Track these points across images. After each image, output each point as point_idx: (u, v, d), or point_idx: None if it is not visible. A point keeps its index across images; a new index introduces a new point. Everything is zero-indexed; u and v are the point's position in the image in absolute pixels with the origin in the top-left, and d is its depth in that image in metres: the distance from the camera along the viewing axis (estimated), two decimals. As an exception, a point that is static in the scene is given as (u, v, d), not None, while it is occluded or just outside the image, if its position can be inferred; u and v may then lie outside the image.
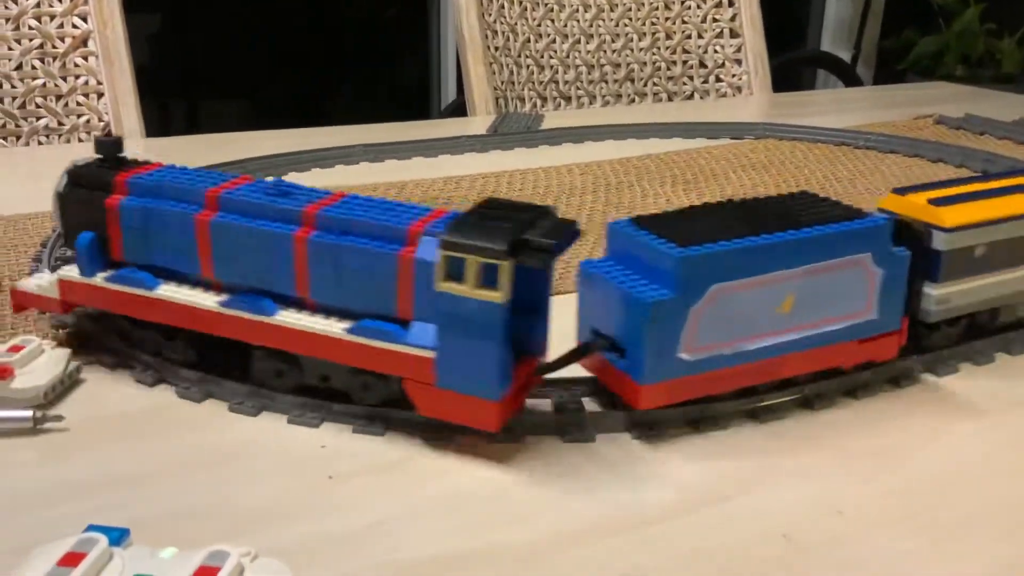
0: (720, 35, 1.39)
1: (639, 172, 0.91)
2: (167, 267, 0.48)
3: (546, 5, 1.31)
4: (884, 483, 0.42)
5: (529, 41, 1.29)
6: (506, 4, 1.27)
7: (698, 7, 1.38)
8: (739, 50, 1.39)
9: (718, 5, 1.38)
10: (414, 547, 0.37)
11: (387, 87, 2.50)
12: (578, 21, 1.33)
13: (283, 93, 2.33)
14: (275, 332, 0.45)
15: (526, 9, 1.29)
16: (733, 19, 1.39)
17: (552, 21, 1.31)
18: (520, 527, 0.38)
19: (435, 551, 0.37)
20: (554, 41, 1.31)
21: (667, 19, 1.37)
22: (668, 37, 1.37)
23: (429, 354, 0.42)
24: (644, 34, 1.36)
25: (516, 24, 1.28)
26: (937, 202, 0.50)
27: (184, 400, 0.47)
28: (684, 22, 1.37)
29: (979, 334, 0.54)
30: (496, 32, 1.26)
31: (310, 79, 2.36)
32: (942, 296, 0.50)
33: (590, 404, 0.47)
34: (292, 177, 0.88)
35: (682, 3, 1.38)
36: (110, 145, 0.50)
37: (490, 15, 1.25)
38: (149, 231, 0.48)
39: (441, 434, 0.44)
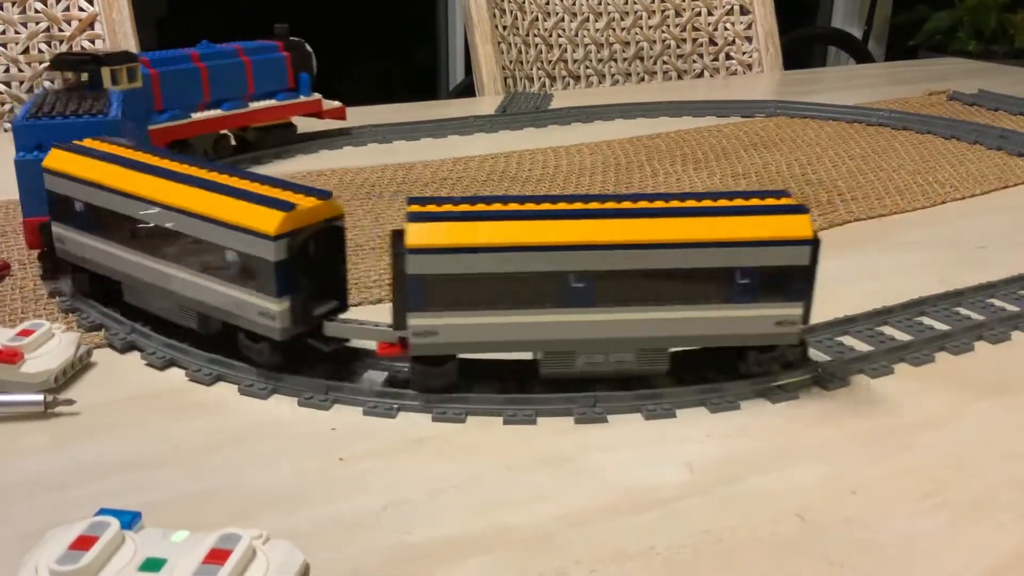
0: (730, 12, 1.37)
1: (649, 151, 0.90)
2: None
3: (557, 15, 1.29)
4: (899, 462, 0.41)
5: (537, 20, 1.28)
6: (519, 15, 1.26)
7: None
8: (749, 27, 1.38)
9: (728, -18, 1.37)
10: (426, 529, 0.37)
11: (395, 68, 2.48)
12: (588, 31, 1.31)
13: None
14: None
15: (536, 19, 1.28)
16: (743, -4, 1.37)
17: (563, 32, 1.29)
18: (533, 508, 0.38)
19: (447, 532, 0.36)
20: (563, 19, 1.30)
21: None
22: (678, 15, 1.36)
23: None
24: (653, 12, 1.35)
25: (524, 2, 1.27)
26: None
27: (195, 383, 0.47)
28: (696, 29, 1.36)
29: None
30: (504, 11, 1.25)
31: (318, 60, 2.34)
32: None
33: (601, 386, 0.46)
34: (300, 160, 0.88)
35: (693, 11, 1.36)
36: None
37: (503, 27, 1.24)
38: None
39: (453, 416, 0.44)
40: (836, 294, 0.59)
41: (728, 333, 0.44)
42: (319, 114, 0.89)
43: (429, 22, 2.41)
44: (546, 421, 0.44)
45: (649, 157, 0.88)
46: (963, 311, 0.55)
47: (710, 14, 1.37)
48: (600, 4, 1.32)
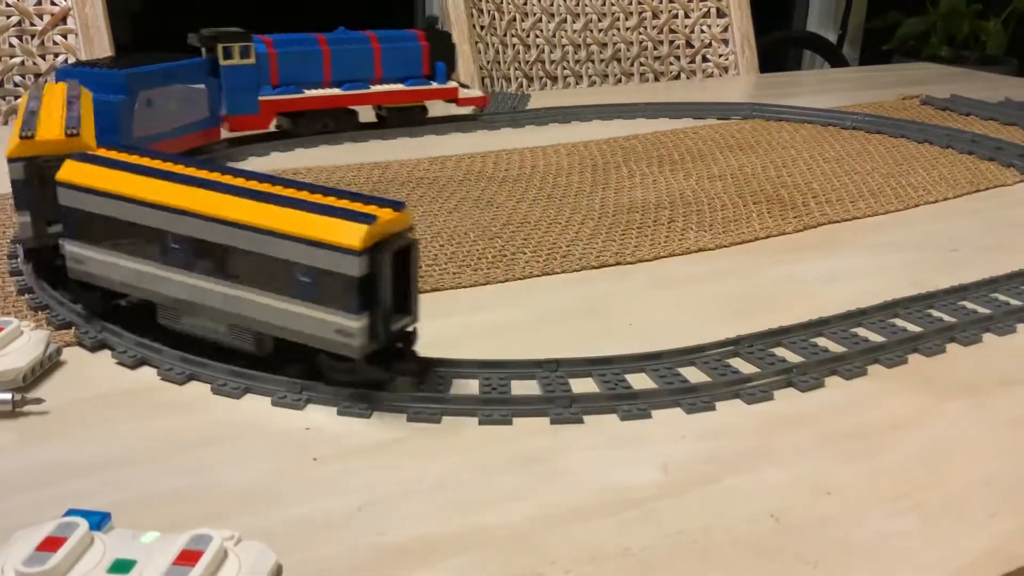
0: (707, 15, 1.38)
1: (626, 152, 0.90)
2: None
3: (535, 15, 1.29)
4: (873, 463, 0.41)
5: (515, 20, 1.28)
6: (496, 14, 1.26)
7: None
8: (726, 30, 1.38)
9: (705, -15, 1.38)
10: (400, 529, 0.36)
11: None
12: (564, 0, 1.31)
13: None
14: None
15: (514, 19, 1.28)
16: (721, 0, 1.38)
17: (540, 32, 1.29)
18: (507, 508, 0.38)
19: (422, 533, 0.36)
20: (540, 20, 1.30)
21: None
22: (655, 16, 1.36)
23: None
24: (631, 13, 1.35)
25: (502, 2, 1.27)
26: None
27: (166, 382, 0.46)
28: (671, 1, 1.36)
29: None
30: (482, 10, 1.25)
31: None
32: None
33: (578, 385, 0.46)
34: (275, 158, 0.87)
35: (669, 12, 1.37)
36: None
37: (481, 28, 1.24)
38: None
39: (428, 416, 0.44)
40: (810, 295, 0.60)
41: (294, 328, 0.44)
42: (456, 101, 0.96)
43: (406, 21, 2.41)
44: (522, 422, 0.44)
45: (626, 158, 0.88)
46: (935, 313, 0.56)
47: (687, 16, 1.37)
48: (578, 5, 1.32)
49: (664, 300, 0.59)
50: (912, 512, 0.38)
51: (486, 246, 0.65)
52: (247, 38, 0.81)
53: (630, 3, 1.35)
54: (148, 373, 0.47)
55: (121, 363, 0.48)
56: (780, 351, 0.51)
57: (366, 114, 0.95)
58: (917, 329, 0.54)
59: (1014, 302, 0.57)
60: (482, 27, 1.24)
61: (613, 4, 1.34)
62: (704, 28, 1.38)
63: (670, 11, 1.37)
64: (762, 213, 0.74)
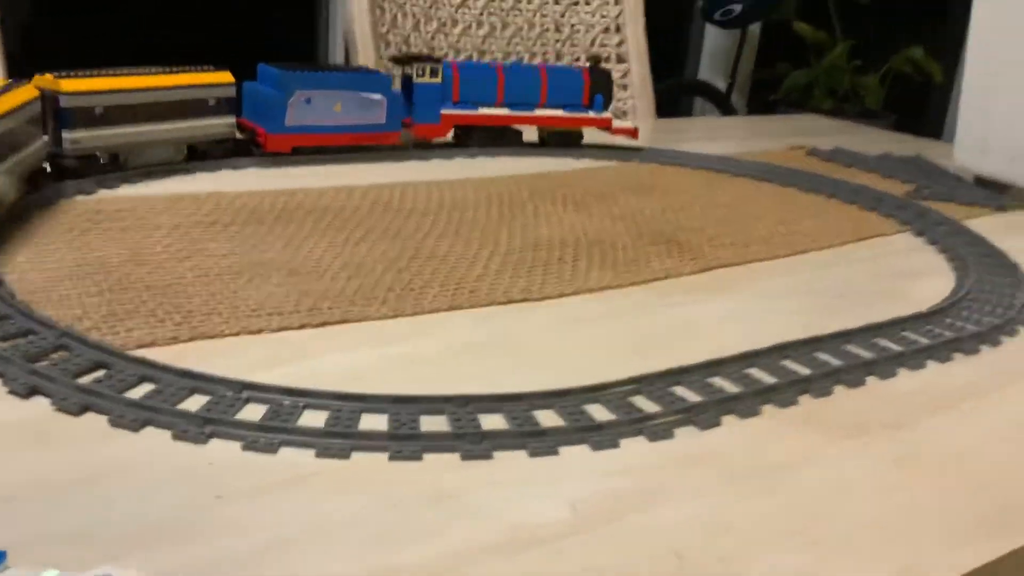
0: (608, 60, 1.42)
1: (531, 190, 0.92)
2: None
3: (439, 20, 1.31)
4: (769, 500, 0.43)
5: (422, 52, 1.29)
6: (399, 16, 1.27)
7: (587, 31, 1.41)
8: (625, 75, 1.43)
9: (606, 31, 1.42)
10: (310, 569, 0.36)
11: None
12: (471, 37, 1.33)
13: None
14: None
15: (419, 22, 1.29)
16: (620, 45, 1.43)
17: (445, 36, 1.31)
18: (419, 547, 0.38)
19: (331, 573, 0.36)
20: (447, 55, 1.31)
21: (557, 41, 1.40)
22: (558, 59, 1.40)
23: None
24: (535, 54, 1.38)
25: (409, 36, 1.28)
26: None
27: (61, 413, 0.45)
28: (574, 45, 1.40)
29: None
30: (388, 43, 1.25)
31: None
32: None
33: (487, 421, 0.47)
34: (175, 182, 0.85)
35: (572, 28, 1.41)
36: None
37: (383, 26, 1.24)
38: None
39: (337, 451, 0.43)
40: (707, 336, 0.62)
41: None
42: (610, 130, 1.09)
43: (309, 49, 2.39)
44: (432, 458, 0.44)
45: (531, 195, 0.90)
46: (823, 356, 0.59)
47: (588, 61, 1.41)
48: (484, 43, 1.34)
49: (569, 337, 0.60)
50: (808, 550, 0.40)
51: (394, 279, 0.65)
52: (438, 61, 1.00)
53: (534, 44, 1.38)
54: (41, 403, 0.45)
55: (13, 392, 0.46)
56: (680, 390, 0.52)
57: (530, 134, 1.08)
58: (806, 371, 0.56)
59: (895, 347, 0.60)
60: (387, 41, 1.25)
61: (518, 44, 1.37)
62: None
63: (572, 55, 1.40)
64: (661, 254, 0.76)
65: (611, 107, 1.09)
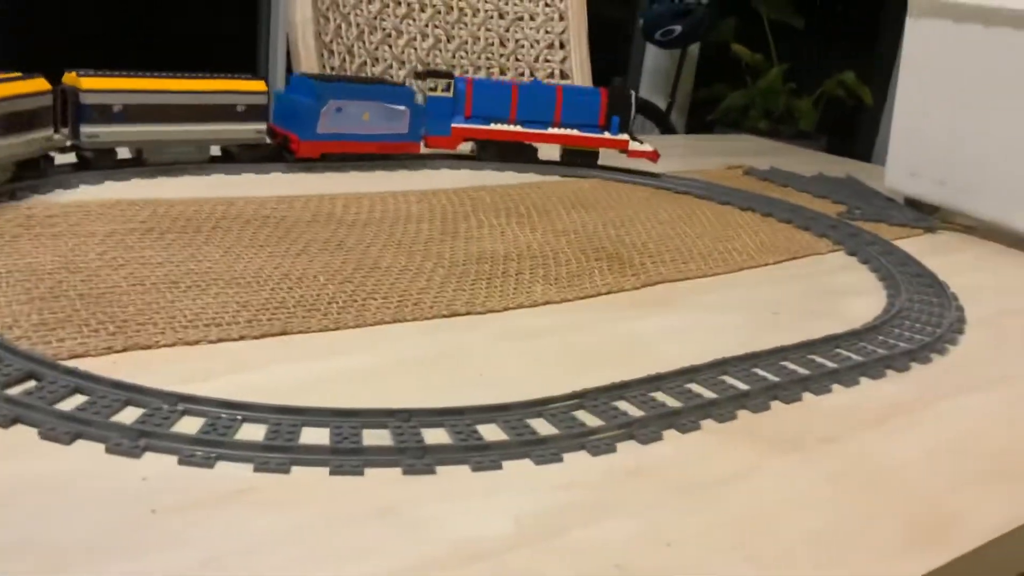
0: (551, 75, 1.43)
1: (474, 203, 0.92)
2: None
3: (384, 30, 1.30)
4: (709, 515, 0.44)
5: (366, 64, 1.29)
6: (343, 25, 1.26)
7: (531, 47, 1.42)
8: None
9: (551, 47, 1.43)
10: (248, 585, 0.35)
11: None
12: (415, 50, 1.33)
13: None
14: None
15: (363, 32, 1.29)
16: (564, 61, 1.44)
17: (389, 47, 1.31)
18: (360, 563, 0.37)
19: (270, 589, 0.35)
20: (391, 67, 1.31)
21: (502, 56, 1.41)
22: (503, 73, 1.40)
23: None
24: (479, 68, 1.39)
25: (353, 46, 1.27)
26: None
27: (-14, 425, 0.43)
28: (518, 60, 1.41)
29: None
30: (332, 52, 1.24)
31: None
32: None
33: (430, 436, 0.46)
34: (109, 188, 0.83)
35: (516, 43, 1.42)
36: None
37: (327, 35, 1.24)
38: None
39: (276, 466, 0.42)
40: (648, 351, 0.62)
41: None
42: (627, 153, 1.08)
43: (249, 61, 2.36)
44: (374, 472, 0.43)
45: (475, 208, 0.90)
46: (760, 372, 0.60)
47: (532, 75, 1.42)
48: (428, 56, 1.34)
49: (513, 351, 0.60)
50: (747, 564, 0.40)
51: (336, 290, 0.64)
52: (450, 76, 1.04)
53: (479, 57, 1.39)
54: (-35, 415, 0.43)
55: (-66, 404, 0.44)
56: (622, 404, 0.53)
57: (548, 152, 1.10)
58: (744, 387, 0.57)
59: (829, 364, 0.62)
60: (332, 69, 1.24)
61: (463, 58, 1.37)
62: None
63: (517, 69, 1.41)
64: (603, 269, 0.77)
65: (631, 128, 1.09)
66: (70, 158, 0.85)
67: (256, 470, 0.43)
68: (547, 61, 1.41)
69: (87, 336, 0.53)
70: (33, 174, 0.80)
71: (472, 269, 0.73)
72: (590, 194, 1.01)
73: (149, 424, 0.44)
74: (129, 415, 0.45)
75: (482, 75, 1.37)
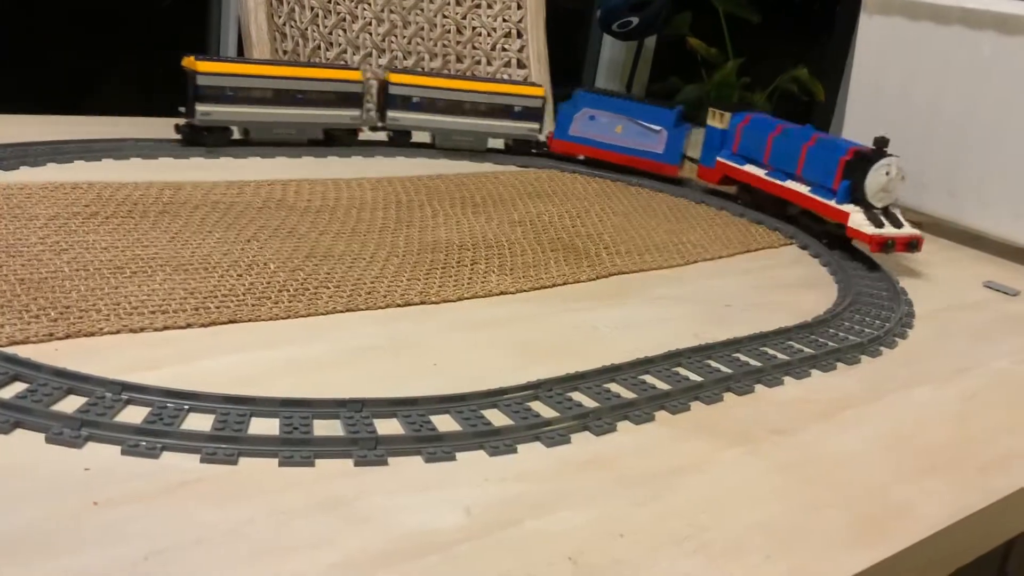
0: (508, 64, 1.42)
1: (429, 191, 0.91)
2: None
3: (338, 14, 1.29)
4: (661, 505, 0.44)
5: (319, 48, 1.27)
6: (297, 8, 1.24)
7: (489, 35, 1.41)
8: (525, 80, 1.43)
9: (508, 35, 1.42)
10: (193, 579, 0.34)
11: (162, 77, 2.35)
12: (370, 35, 1.31)
13: (49, 76, 2.13)
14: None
15: (317, 16, 1.27)
16: (521, 50, 1.43)
17: (344, 31, 1.29)
18: (308, 556, 0.37)
19: (216, 583, 0.34)
20: (345, 51, 1.29)
21: (458, 43, 1.39)
22: (459, 60, 1.39)
23: None
24: (436, 55, 1.37)
25: (307, 29, 1.25)
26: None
27: (-81, 414, 0.41)
28: (475, 48, 1.40)
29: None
30: (285, 35, 1.22)
31: (77, 66, 2.17)
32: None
33: (382, 426, 0.46)
34: (52, 170, 0.80)
35: (473, 30, 1.40)
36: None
37: (279, 17, 1.21)
38: None
39: (223, 456, 0.42)
40: (602, 342, 0.62)
41: None
42: (845, 230, 0.87)
43: (199, 35, 2.31)
44: (324, 463, 0.43)
45: (430, 197, 0.89)
46: (713, 364, 0.60)
47: (489, 64, 1.41)
48: (384, 41, 1.32)
49: (467, 341, 0.59)
50: (698, 554, 0.40)
51: (287, 278, 0.63)
52: (731, 109, 1.03)
53: (435, 44, 1.37)
54: None
55: None
56: (577, 395, 0.53)
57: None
58: (698, 379, 0.57)
59: (781, 356, 0.62)
60: (285, 52, 1.22)
61: (419, 43, 1.36)
62: (505, 76, 1.42)
63: (474, 57, 1.40)
64: (559, 260, 0.76)
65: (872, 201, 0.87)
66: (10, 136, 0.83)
67: (203, 461, 0.42)
68: (504, 50, 1.41)
69: (28, 322, 0.51)
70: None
71: (427, 258, 0.72)
72: (547, 185, 1.01)
73: (92, 413, 0.43)
74: (71, 404, 0.44)
75: (438, 62, 1.36)
